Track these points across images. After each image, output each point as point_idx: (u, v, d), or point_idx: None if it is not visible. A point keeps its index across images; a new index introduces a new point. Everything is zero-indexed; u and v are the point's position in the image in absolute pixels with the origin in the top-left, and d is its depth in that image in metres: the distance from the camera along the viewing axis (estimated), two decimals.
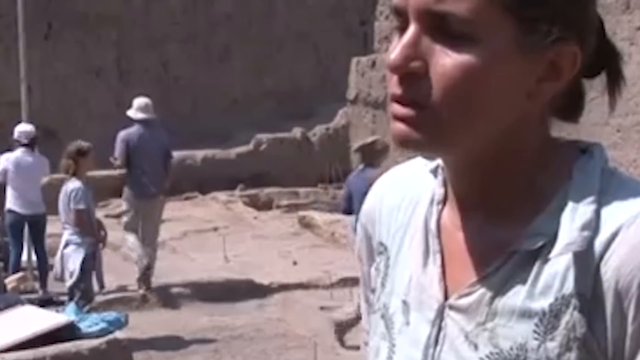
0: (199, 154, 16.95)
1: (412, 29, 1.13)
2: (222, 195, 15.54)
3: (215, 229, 13.53)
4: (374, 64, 15.26)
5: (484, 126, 1.14)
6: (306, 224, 13.35)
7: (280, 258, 11.63)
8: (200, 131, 17.57)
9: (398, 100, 1.14)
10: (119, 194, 15.65)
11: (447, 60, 1.11)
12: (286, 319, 9.18)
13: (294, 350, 8.22)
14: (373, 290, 1.32)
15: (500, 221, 1.18)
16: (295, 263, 11.35)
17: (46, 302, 9.15)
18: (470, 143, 1.15)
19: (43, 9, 17.61)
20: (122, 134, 10.31)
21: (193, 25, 18.91)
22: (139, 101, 10.48)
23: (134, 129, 10.30)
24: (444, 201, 1.25)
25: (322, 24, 19.45)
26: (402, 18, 1.15)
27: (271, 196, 15.57)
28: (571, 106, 1.21)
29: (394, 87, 1.14)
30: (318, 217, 13.34)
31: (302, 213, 13.80)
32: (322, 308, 9.47)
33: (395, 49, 1.13)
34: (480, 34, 1.10)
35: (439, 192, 1.25)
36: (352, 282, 9.73)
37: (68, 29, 18.04)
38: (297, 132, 17.24)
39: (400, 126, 1.14)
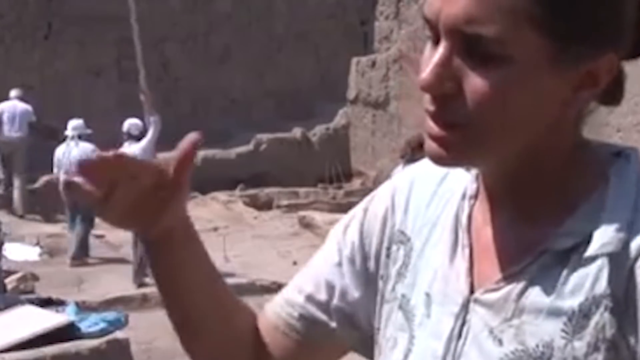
0: (199, 154, 16.89)
1: (443, 47, 1.11)
2: (222, 195, 15.52)
3: (215, 229, 13.52)
4: (374, 64, 15.24)
5: (519, 138, 1.14)
6: (306, 224, 13.33)
7: (280, 258, 11.62)
8: (200, 131, 17.54)
9: (431, 117, 1.14)
10: None
11: (480, 80, 1.09)
12: None
13: None
14: (377, 271, 1.32)
15: (530, 220, 1.18)
16: (295, 263, 11.34)
17: (46, 302, 9.14)
18: (504, 153, 1.15)
19: (43, 9, 17.61)
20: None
21: (193, 25, 18.90)
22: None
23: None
24: (476, 196, 1.25)
25: (322, 24, 19.44)
26: (433, 30, 1.13)
27: (271, 196, 15.55)
28: (612, 91, 1.18)
29: (427, 103, 1.14)
30: (318, 217, 13.32)
31: (302, 213, 13.78)
32: None
33: (427, 68, 1.12)
34: (512, 53, 1.09)
35: (472, 186, 1.25)
36: None
37: (68, 29, 18.03)
38: (297, 132, 17.22)
39: (433, 145, 1.14)
